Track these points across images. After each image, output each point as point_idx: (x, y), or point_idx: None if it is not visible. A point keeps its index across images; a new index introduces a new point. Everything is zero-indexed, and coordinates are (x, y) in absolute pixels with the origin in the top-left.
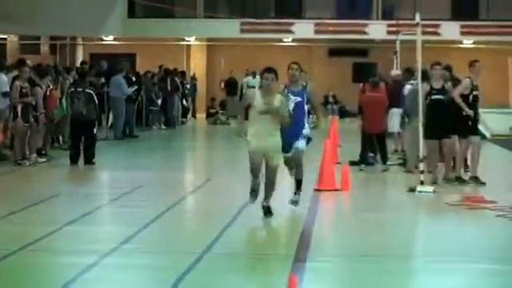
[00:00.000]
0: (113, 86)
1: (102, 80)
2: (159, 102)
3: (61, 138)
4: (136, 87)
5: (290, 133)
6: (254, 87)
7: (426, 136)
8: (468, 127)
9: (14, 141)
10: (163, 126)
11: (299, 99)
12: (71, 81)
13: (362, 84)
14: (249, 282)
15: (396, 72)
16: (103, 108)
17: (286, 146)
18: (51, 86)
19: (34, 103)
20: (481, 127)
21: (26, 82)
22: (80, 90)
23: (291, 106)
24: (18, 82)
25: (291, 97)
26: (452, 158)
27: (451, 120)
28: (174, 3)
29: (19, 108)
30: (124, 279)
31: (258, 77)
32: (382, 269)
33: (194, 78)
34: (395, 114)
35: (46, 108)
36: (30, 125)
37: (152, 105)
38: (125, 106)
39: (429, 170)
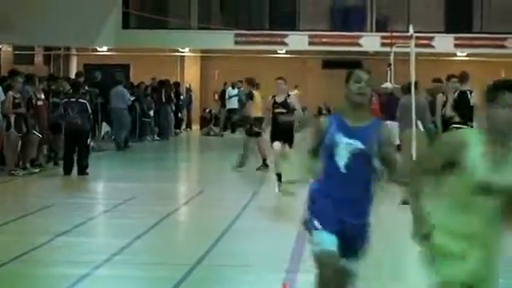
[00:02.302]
0: (115, 97)
1: (97, 91)
2: (151, 113)
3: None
4: (134, 98)
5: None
6: (236, 96)
7: None
8: None
9: (7, 151)
10: (156, 137)
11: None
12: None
13: None
14: None
15: (386, 85)
16: (97, 119)
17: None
18: (43, 96)
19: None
20: None
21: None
22: (74, 100)
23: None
24: (11, 93)
25: None
26: None
27: None
28: (168, 14)
29: (12, 118)
30: None
31: (236, 88)
32: (376, 278)
33: (189, 90)
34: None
35: (39, 118)
36: (22, 135)
37: (145, 116)
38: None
39: None
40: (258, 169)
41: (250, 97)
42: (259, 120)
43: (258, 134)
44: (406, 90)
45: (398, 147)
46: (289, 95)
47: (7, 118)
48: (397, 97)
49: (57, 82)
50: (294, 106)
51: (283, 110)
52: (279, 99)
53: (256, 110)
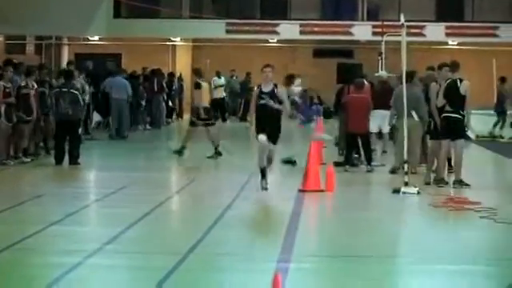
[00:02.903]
0: (116, 88)
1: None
2: (143, 102)
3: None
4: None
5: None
6: (221, 86)
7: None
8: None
9: None
10: (148, 127)
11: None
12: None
13: (342, 85)
14: (233, 283)
15: (381, 73)
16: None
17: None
18: (35, 86)
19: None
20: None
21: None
22: (65, 90)
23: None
24: (1, 83)
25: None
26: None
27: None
28: (159, 3)
29: (2, 108)
30: (108, 279)
31: (222, 77)
32: (366, 269)
33: (180, 79)
34: (380, 116)
35: (31, 108)
36: (12, 125)
37: (137, 105)
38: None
39: (433, 170)
40: (209, 157)
41: (197, 86)
42: (206, 109)
43: (207, 123)
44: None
45: (390, 135)
46: (276, 85)
47: None
48: (391, 86)
49: (43, 72)
50: (282, 97)
51: (269, 101)
52: (266, 89)
53: (204, 100)
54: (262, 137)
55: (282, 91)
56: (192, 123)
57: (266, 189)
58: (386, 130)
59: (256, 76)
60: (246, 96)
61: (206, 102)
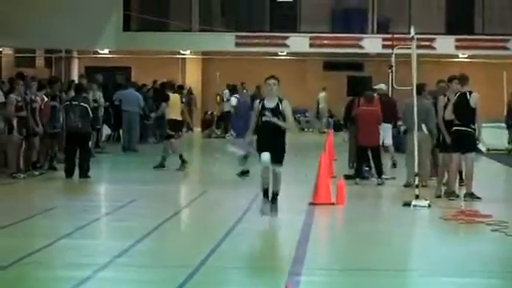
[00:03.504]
0: (128, 101)
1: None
2: (153, 115)
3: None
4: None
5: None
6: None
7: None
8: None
9: (8, 154)
10: (155, 140)
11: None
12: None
13: (351, 98)
14: None
15: (380, 86)
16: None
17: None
18: (45, 99)
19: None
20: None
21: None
22: (75, 103)
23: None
24: (13, 96)
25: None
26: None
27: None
28: (169, 16)
29: (15, 121)
30: None
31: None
32: (376, 282)
33: (190, 93)
34: (382, 129)
35: (41, 121)
36: (23, 138)
37: (146, 118)
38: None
39: (443, 183)
40: (179, 169)
41: (166, 99)
42: (173, 122)
43: (170, 136)
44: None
45: (385, 148)
46: (281, 100)
47: (9, 121)
48: (393, 99)
49: (55, 86)
50: (287, 113)
51: (272, 118)
52: (269, 104)
53: (172, 112)
54: (265, 155)
55: (287, 106)
56: (167, 136)
57: (265, 214)
58: (389, 142)
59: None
60: None
61: (172, 114)
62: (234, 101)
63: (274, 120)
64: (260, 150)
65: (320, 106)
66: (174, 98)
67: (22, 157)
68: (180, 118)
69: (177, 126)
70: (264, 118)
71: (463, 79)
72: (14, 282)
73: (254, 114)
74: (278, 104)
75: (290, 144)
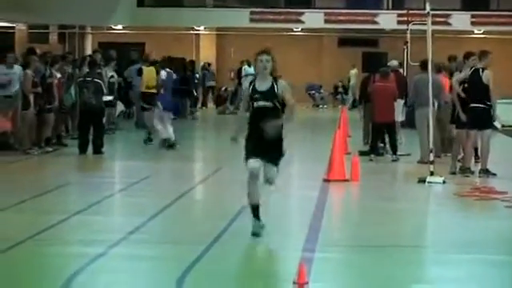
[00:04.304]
0: (137, 76)
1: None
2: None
3: (70, 127)
4: None
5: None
6: (252, 75)
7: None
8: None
9: (23, 130)
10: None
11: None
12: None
13: (367, 74)
14: (257, 271)
15: (391, 62)
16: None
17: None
18: (59, 76)
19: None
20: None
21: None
22: (89, 79)
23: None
24: (29, 72)
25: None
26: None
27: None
28: None
29: (31, 97)
30: (131, 269)
31: (252, 66)
32: (391, 259)
33: (205, 68)
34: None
35: (54, 97)
36: (36, 114)
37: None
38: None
39: (458, 160)
40: (144, 142)
41: (140, 73)
42: (146, 95)
43: (144, 109)
44: (422, 67)
45: (402, 123)
46: (276, 80)
47: (25, 97)
48: (403, 75)
49: (65, 62)
50: (286, 97)
51: (267, 104)
52: (262, 86)
53: (145, 85)
54: (253, 163)
55: (285, 88)
56: (141, 109)
57: (257, 235)
58: (399, 118)
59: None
60: None
61: (145, 87)
62: (163, 74)
63: (273, 123)
64: (249, 148)
65: (351, 83)
66: (148, 71)
67: (36, 133)
68: (153, 91)
69: (149, 98)
70: (256, 104)
71: (482, 55)
72: (28, 258)
73: (244, 100)
74: (272, 85)
75: (304, 120)
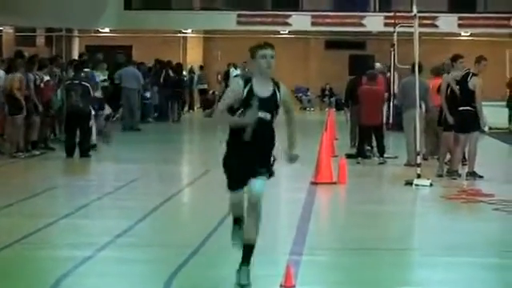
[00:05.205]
0: (127, 78)
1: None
2: (148, 94)
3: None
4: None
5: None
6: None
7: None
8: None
9: (9, 133)
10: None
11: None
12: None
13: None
14: None
15: (376, 65)
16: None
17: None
18: (46, 78)
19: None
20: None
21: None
22: (77, 82)
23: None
24: (18, 74)
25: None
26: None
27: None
28: None
29: (23, 101)
30: (119, 272)
31: (238, 69)
32: (378, 262)
33: (192, 71)
34: None
35: (42, 100)
36: (26, 117)
37: (144, 98)
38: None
39: (445, 162)
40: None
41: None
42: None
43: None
44: (413, 70)
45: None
46: (278, 85)
47: (16, 101)
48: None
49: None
50: (289, 105)
51: (266, 116)
52: (263, 91)
53: None
54: (235, 196)
55: (288, 93)
56: None
57: (237, 244)
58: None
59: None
60: None
61: None
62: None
63: (268, 118)
64: (233, 176)
65: None
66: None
67: (23, 136)
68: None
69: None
70: (257, 114)
71: (476, 60)
72: (16, 262)
73: (229, 101)
74: (274, 91)
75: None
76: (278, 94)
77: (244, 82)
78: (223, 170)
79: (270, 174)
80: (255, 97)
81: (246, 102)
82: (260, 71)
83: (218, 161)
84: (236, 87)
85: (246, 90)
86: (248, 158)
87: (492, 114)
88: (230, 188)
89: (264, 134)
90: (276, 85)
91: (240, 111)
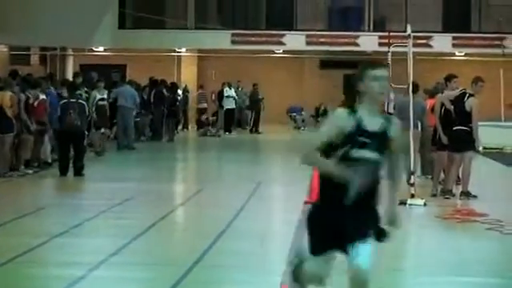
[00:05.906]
0: (123, 97)
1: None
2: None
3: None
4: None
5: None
6: (232, 97)
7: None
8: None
9: (3, 153)
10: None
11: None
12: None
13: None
14: None
15: None
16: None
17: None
18: (41, 97)
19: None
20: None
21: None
22: (73, 101)
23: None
24: (9, 93)
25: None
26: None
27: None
28: (164, 14)
29: (13, 120)
30: None
31: (232, 89)
32: (371, 282)
33: (186, 90)
34: None
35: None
36: (15, 136)
37: (137, 116)
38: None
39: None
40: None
41: None
42: None
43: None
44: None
45: None
46: (389, 119)
47: (7, 120)
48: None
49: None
50: (398, 145)
51: (375, 157)
52: (372, 123)
53: None
54: (315, 265)
55: (399, 129)
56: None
57: None
58: None
59: (263, 87)
60: (257, 108)
61: None
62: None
63: (376, 159)
64: (317, 239)
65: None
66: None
67: (15, 155)
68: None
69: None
70: (357, 154)
71: (473, 81)
72: (8, 281)
73: (326, 140)
74: (384, 125)
75: (285, 142)
76: (388, 130)
77: (348, 111)
78: (307, 226)
79: (380, 234)
80: (363, 130)
81: (351, 139)
82: (370, 96)
83: (211, 180)
84: (338, 122)
85: (353, 121)
86: (344, 216)
87: (487, 134)
88: (313, 251)
89: (370, 176)
90: (387, 119)
91: (343, 151)
